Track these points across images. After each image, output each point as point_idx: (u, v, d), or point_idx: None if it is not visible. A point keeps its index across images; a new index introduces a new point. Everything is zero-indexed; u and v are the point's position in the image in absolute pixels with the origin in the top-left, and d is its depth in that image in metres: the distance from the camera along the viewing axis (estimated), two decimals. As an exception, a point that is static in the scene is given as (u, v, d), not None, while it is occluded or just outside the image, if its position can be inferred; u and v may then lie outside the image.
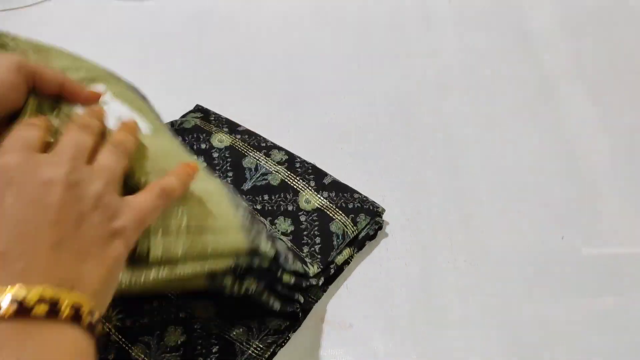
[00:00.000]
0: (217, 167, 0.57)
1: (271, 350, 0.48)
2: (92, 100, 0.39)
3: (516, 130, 0.65)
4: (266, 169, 0.57)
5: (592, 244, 0.56)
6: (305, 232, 0.54)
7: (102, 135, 0.35)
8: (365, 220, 0.55)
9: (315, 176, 0.57)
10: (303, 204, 0.56)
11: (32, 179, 0.28)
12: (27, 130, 0.31)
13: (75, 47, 0.73)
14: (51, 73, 0.37)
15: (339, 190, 0.57)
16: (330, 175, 0.58)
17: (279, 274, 0.44)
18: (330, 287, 0.53)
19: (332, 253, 0.53)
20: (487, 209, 0.59)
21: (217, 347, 0.47)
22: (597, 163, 0.62)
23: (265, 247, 0.42)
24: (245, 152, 0.58)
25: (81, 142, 0.31)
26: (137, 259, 0.35)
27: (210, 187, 0.42)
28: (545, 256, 0.55)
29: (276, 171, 0.57)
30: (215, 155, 0.58)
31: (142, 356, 0.46)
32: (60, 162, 0.29)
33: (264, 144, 0.59)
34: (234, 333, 0.47)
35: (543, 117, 0.66)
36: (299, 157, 0.59)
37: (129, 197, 0.32)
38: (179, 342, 0.47)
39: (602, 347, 0.50)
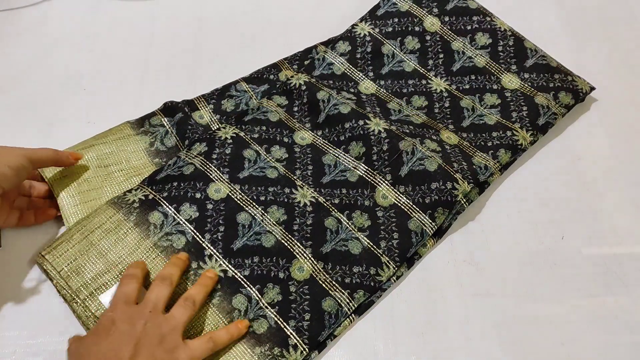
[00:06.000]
0: (298, 161, 0.60)
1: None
2: (75, 160, 0.56)
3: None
4: (345, 165, 0.59)
5: (592, 244, 0.56)
6: (382, 227, 0.55)
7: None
8: (444, 214, 0.55)
9: (392, 167, 0.58)
10: (380, 200, 0.57)
11: (127, 325, 0.45)
12: (127, 285, 0.48)
13: (76, 47, 0.73)
14: (44, 153, 0.53)
15: (415, 184, 0.57)
16: (407, 166, 0.57)
17: None
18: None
19: (410, 250, 0.54)
20: (487, 208, 0.59)
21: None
22: (597, 163, 0.62)
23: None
24: (326, 149, 0.60)
25: (160, 296, 0.47)
26: None
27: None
28: (545, 256, 0.55)
29: (354, 167, 0.59)
30: (297, 149, 0.60)
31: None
32: (144, 314, 0.45)
33: (342, 137, 0.60)
34: None
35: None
36: (375, 147, 0.59)
37: (187, 340, 0.46)
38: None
39: (602, 347, 0.50)
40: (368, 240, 0.54)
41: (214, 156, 0.58)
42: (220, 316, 0.50)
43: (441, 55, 0.67)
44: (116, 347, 0.43)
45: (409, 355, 0.50)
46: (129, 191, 0.56)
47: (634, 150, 0.63)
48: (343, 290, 0.52)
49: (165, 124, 0.62)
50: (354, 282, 0.52)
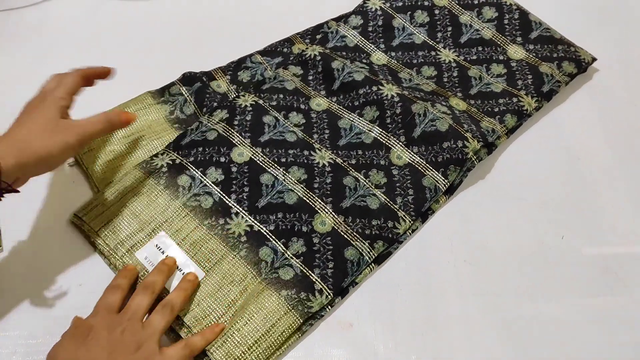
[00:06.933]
0: (315, 125, 0.62)
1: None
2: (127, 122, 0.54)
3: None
4: (360, 129, 0.62)
5: (592, 244, 0.56)
6: (398, 185, 0.58)
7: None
8: (455, 171, 0.58)
9: (405, 130, 0.61)
10: (395, 160, 0.59)
11: (105, 332, 0.45)
12: (111, 295, 0.49)
13: (76, 47, 0.73)
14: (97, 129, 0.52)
15: (428, 144, 0.60)
16: (420, 127, 0.61)
17: None
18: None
19: (425, 204, 0.57)
20: (487, 208, 0.59)
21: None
22: (597, 163, 0.62)
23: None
24: (341, 114, 0.63)
25: (140, 305, 0.48)
26: None
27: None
28: (545, 256, 0.55)
29: (369, 130, 0.61)
30: (313, 115, 0.63)
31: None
32: (122, 322, 0.46)
33: (357, 103, 0.63)
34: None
35: (543, 117, 0.66)
36: (389, 111, 0.62)
37: (164, 348, 0.46)
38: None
39: (602, 347, 0.50)
40: (385, 197, 0.57)
41: (236, 122, 0.61)
42: (249, 267, 0.53)
43: (449, 28, 0.70)
44: (92, 353, 0.44)
45: (409, 355, 0.50)
46: (156, 155, 0.59)
47: (634, 150, 0.63)
48: (364, 241, 0.54)
49: (184, 93, 0.65)
50: (373, 233, 0.55)
